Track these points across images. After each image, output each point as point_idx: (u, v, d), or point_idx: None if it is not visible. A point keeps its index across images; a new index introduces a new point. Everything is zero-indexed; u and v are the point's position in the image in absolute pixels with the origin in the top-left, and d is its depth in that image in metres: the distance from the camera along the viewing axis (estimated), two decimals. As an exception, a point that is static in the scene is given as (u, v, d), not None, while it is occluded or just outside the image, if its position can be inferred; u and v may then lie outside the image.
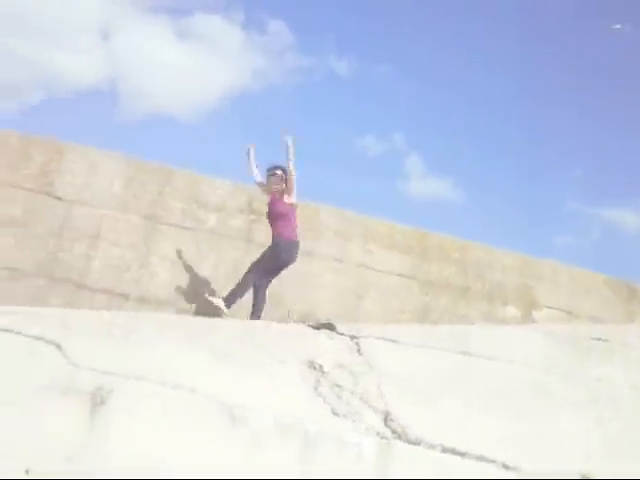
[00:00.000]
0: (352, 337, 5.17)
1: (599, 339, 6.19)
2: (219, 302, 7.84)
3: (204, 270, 8.94)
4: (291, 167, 8.05)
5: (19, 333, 4.34)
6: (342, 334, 5.25)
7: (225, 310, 7.79)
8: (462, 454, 3.98)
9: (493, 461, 3.97)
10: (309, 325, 5.69)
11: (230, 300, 7.87)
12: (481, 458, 3.98)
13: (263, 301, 8.13)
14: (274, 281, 8.32)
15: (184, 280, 8.80)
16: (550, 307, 10.94)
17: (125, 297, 8.50)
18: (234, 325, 5.66)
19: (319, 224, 9.67)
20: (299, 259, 8.41)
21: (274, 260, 8.05)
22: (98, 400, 3.76)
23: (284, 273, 8.36)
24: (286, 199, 8.15)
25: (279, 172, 8.25)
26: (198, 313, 8.20)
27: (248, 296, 8.06)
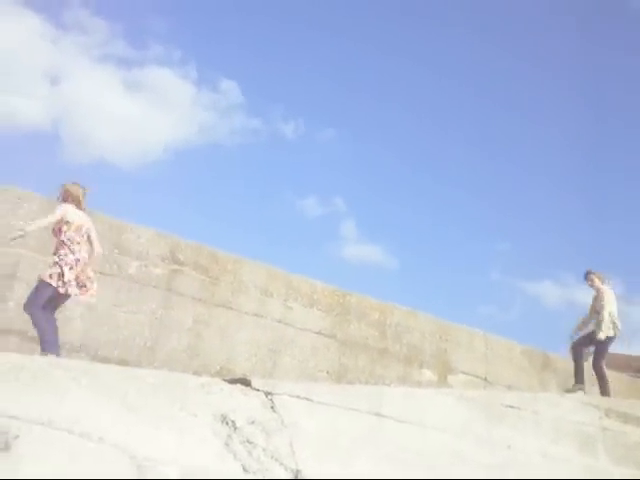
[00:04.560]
0: (267, 393, 5.14)
1: (511, 406, 6.27)
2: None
3: (121, 318, 8.80)
4: None
5: None
6: (257, 390, 5.21)
7: None
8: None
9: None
10: (224, 379, 5.64)
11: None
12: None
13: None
14: (192, 333, 8.23)
15: (100, 327, 8.65)
16: (466, 373, 11.06)
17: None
18: (148, 375, 5.57)
19: (240, 277, 9.63)
20: (218, 312, 8.35)
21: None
22: (2, 445, 3.65)
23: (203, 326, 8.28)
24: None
25: None
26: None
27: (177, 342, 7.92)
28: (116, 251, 8.99)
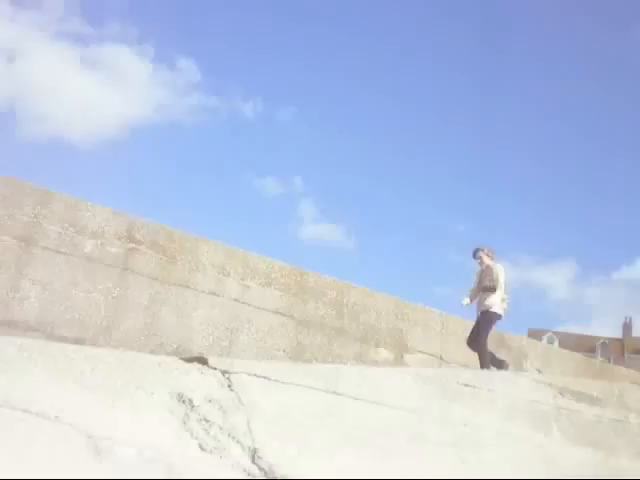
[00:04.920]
0: (224, 372, 5.15)
1: (467, 384, 6.35)
2: None
3: (77, 297, 8.74)
4: None
5: None
6: (214, 368, 5.21)
7: None
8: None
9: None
10: (181, 358, 5.63)
11: None
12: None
13: None
14: (149, 312, 8.20)
15: (55, 306, 8.58)
16: (422, 352, 11.16)
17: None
18: (105, 355, 5.55)
19: (198, 256, 9.60)
20: (175, 291, 8.33)
21: None
22: (-45, 425, 3.62)
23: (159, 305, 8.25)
24: None
25: None
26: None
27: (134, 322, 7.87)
28: (72, 230, 8.90)
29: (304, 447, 4.51)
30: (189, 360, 5.43)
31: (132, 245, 9.18)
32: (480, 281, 9.72)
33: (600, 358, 49.37)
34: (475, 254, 9.93)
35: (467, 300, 9.92)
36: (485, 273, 9.70)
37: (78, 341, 7.99)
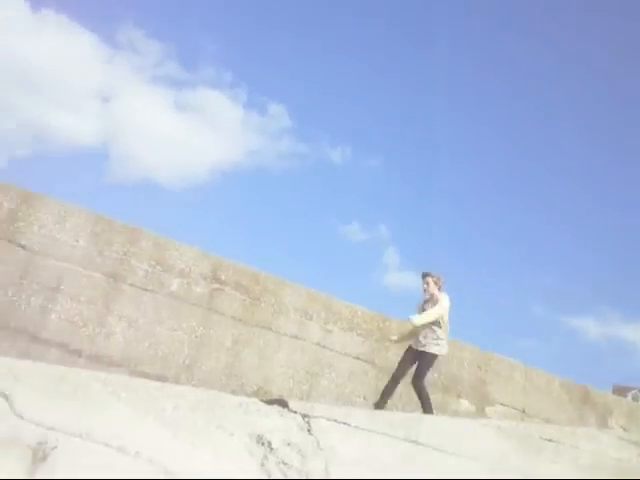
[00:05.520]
0: (304, 416, 5.13)
1: (549, 440, 6.19)
2: None
3: (161, 334, 8.85)
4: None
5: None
6: (294, 412, 5.20)
7: None
8: None
9: None
10: (261, 400, 5.64)
11: None
12: None
13: None
14: (231, 352, 8.26)
15: (140, 343, 8.71)
16: (504, 404, 10.95)
17: (79, 354, 8.38)
18: (186, 393, 5.59)
19: (281, 298, 9.64)
20: (257, 332, 8.38)
21: None
22: (40, 455, 3.68)
23: (242, 346, 8.31)
24: None
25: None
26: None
27: (216, 361, 7.91)
28: (159, 268, 9.05)
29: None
30: (269, 402, 5.43)
31: (217, 285, 9.28)
32: (423, 311, 8.74)
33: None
34: (423, 278, 8.89)
35: (395, 338, 9.15)
36: (429, 303, 8.76)
37: (160, 378, 8.08)
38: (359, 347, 10.06)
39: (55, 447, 3.74)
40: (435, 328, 8.58)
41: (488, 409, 10.69)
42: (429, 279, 8.79)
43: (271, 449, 4.52)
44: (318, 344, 9.79)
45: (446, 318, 8.68)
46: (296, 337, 9.66)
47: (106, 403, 4.55)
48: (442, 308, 8.61)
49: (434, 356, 8.61)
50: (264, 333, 9.11)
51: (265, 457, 4.41)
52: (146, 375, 8.22)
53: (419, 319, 8.52)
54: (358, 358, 10.00)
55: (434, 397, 10.28)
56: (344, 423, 5.18)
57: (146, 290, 8.91)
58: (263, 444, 4.57)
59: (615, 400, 13.11)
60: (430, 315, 8.53)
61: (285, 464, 4.39)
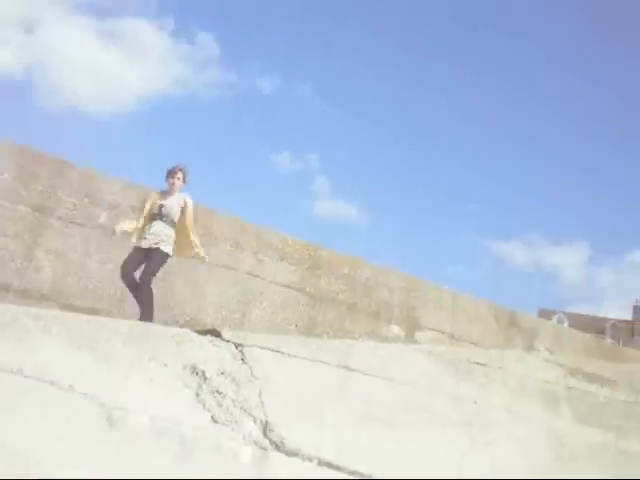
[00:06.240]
0: (237, 345, 5.16)
1: (479, 363, 6.35)
2: None
3: (91, 267, 8.78)
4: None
5: None
6: (227, 341, 5.23)
7: None
8: (336, 468, 4.03)
9: (365, 477, 4.04)
10: (194, 330, 5.65)
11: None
12: (354, 473, 4.04)
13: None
14: (163, 284, 8.24)
15: (70, 276, 8.63)
16: (433, 329, 11.17)
17: (7, 289, 8.27)
18: (119, 325, 5.58)
19: (211, 229, 9.62)
20: (188, 263, 8.36)
21: None
22: (-29, 392, 3.65)
23: (173, 277, 8.30)
24: None
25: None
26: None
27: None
28: (87, 200, 8.94)
29: (315, 421, 4.54)
30: (202, 333, 5.45)
31: (146, 217, 9.19)
32: (166, 210, 8.01)
33: (610, 340, 49.35)
34: (174, 172, 8.15)
35: (128, 226, 8.20)
36: (169, 200, 8.09)
37: (92, 311, 8.04)
38: (290, 276, 10.13)
39: (-14, 383, 3.71)
40: (169, 227, 8.02)
41: (418, 334, 10.91)
42: (181, 174, 8.18)
43: (205, 379, 4.56)
44: (249, 274, 9.83)
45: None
46: (227, 267, 9.68)
47: (38, 338, 4.51)
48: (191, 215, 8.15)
49: (167, 255, 7.98)
50: (195, 264, 9.10)
51: (199, 387, 4.45)
52: (77, 309, 8.16)
53: (201, 250, 8.22)
54: (289, 287, 10.08)
55: (365, 324, 10.45)
56: (277, 351, 5.23)
57: (74, 223, 8.80)
58: (197, 374, 4.60)
59: (541, 323, 13.50)
60: (192, 228, 8.13)
61: (219, 393, 4.43)
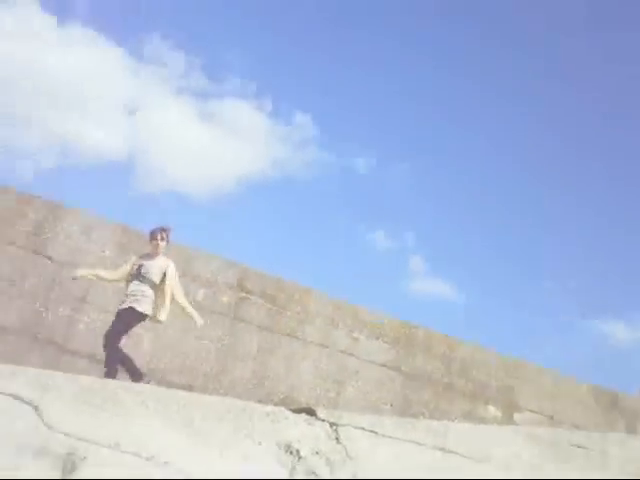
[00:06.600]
0: (331, 424, 5.12)
1: (579, 446, 6.14)
2: None
3: (188, 344, 8.88)
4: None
5: (-3, 391, 4.29)
6: (322, 420, 5.19)
7: None
8: None
9: None
10: (289, 409, 5.63)
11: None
12: None
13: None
14: (258, 362, 8.26)
15: (167, 352, 8.74)
16: (532, 411, 10.88)
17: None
18: (214, 402, 5.60)
19: (307, 307, 9.65)
20: (283, 341, 8.37)
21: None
22: (69, 466, 3.70)
23: (267, 355, 8.32)
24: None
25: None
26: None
27: (242, 370, 7.93)
28: (185, 278, 9.09)
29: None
30: (297, 411, 5.42)
31: (243, 294, 9.30)
32: (145, 270, 7.72)
33: None
34: (159, 233, 7.84)
35: (87, 271, 7.94)
36: (155, 263, 7.78)
37: (188, 388, 8.11)
38: (385, 355, 10.04)
39: (85, 457, 3.75)
40: (147, 286, 7.70)
41: (516, 416, 10.63)
42: (164, 234, 7.88)
43: (299, 458, 4.52)
44: (344, 352, 9.78)
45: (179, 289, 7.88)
46: (322, 345, 9.67)
47: (135, 413, 4.56)
48: (176, 281, 7.84)
49: (140, 314, 7.62)
50: (290, 341, 9.12)
51: (294, 466, 4.41)
52: (174, 385, 8.24)
53: (194, 315, 7.76)
54: (384, 365, 9.98)
55: (461, 404, 10.24)
56: (372, 431, 5.17)
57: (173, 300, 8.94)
58: (291, 453, 4.57)
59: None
60: (183, 300, 7.80)
61: (314, 473, 4.38)
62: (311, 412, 5.33)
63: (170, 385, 8.26)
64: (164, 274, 7.74)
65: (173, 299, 7.73)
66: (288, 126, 48.33)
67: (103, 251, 8.89)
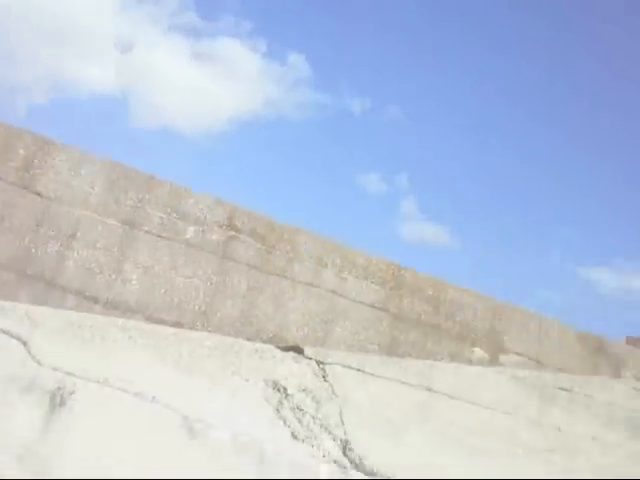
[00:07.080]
0: (319, 362, 5.16)
1: (563, 388, 6.22)
2: None
3: (177, 281, 8.88)
4: None
5: (-16, 325, 4.31)
6: (309, 358, 5.23)
7: None
8: (417, 490, 3.98)
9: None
10: (277, 347, 5.67)
11: None
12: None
13: None
14: (246, 300, 8.28)
15: (156, 289, 8.75)
16: (518, 353, 10.97)
17: (95, 300, 8.42)
18: (203, 339, 5.63)
19: (296, 246, 9.65)
20: (272, 280, 8.38)
21: None
22: (58, 400, 3.72)
23: (256, 294, 8.33)
24: None
25: None
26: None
27: (231, 308, 7.96)
28: (174, 215, 9.06)
29: (396, 442, 4.49)
30: (285, 349, 5.46)
31: (232, 233, 9.28)
32: None
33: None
34: None
35: None
36: None
37: (176, 325, 8.13)
38: (374, 295, 10.07)
39: (73, 392, 3.78)
40: None
41: (502, 358, 10.72)
42: None
43: (286, 395, 4.56)
44: (333, 292, 9.81)
45: None
46: (311, 284, 9.68)
47: (124, 349, 4.59)
48: None
49: None
50: (279, 281, 9.12)
51: (280, 403, 4.46)
52: (162, 322, 8.27)
53: None
54: (373, 306, 10.02)
55: (448, 345, 10.33)
56: (358, 370, 5.21)
57: (161, 237, 8.93)
58: (278, 390, 4.61)
59: (629, 351, 13.12)
60: None
61: (300, 410, 4.43)
62: (299, 350, 5.37)
63: (159, 322, 8.28)
64: None
65: None
66: (282, 67, 47.80)
67: (92, 187, 8.84)
